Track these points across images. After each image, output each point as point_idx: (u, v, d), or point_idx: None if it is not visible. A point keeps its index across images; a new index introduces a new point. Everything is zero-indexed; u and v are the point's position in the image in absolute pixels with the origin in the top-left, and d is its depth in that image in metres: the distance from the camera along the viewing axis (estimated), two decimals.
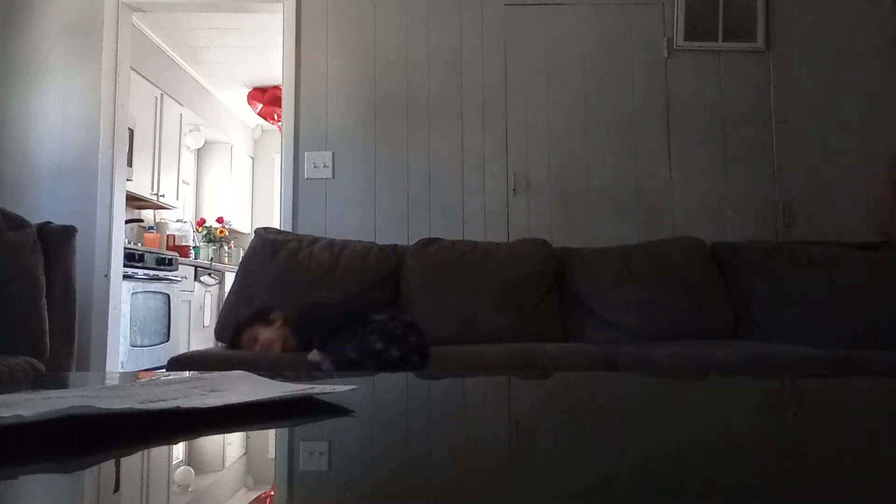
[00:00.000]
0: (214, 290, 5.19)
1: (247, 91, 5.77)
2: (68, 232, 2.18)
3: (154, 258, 4.06)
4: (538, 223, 2.98)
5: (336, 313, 1.90)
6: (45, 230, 2.12)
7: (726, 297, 2.52)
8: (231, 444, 0.39)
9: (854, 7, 3.15)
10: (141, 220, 4.89)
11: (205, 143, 5.77)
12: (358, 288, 2.42)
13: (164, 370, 2.45)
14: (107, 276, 3.09)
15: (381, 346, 1.72)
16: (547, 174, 3.07)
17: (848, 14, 3.14)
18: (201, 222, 5.67)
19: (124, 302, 3.52)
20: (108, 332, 3.09)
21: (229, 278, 4.93)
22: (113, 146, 3.13)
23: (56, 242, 2.11)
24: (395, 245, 2.70)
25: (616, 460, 0.35)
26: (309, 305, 2.03)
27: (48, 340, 1.95)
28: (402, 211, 3.07)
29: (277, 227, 2.94)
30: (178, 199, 5.13)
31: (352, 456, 0.36)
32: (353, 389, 0.49)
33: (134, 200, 4.40)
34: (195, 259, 5.03)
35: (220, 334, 2.40)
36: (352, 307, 1.94)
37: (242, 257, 2.60)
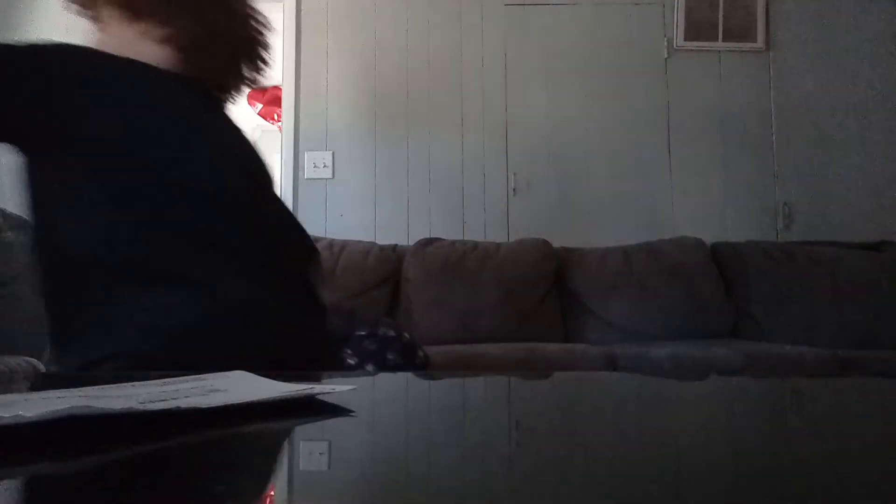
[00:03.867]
0: None
1: (246, 91, 5.76)
2: None
3: None
4: (538, 223, 2.98)
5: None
6: None
7: (726, 297, 2.52)
8: (231, 445, 0.39)
9: (854, 7, 3.15)
10: None
11: None
12: (358, 288, 2.42)
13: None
14: None
15: (355, 361, 1.73)
16: (547, 174, 3.07)
17: (848, 14, 3.14)
18: None
19: None
20: None
21: None
22: None
23: None
24: (396, 245, 2.70)
25: (616, 461, 0.35)
26: None
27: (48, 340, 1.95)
28: (402, 211, 3.07)
29: None
30: None
31: (352, 456, 0.36)
32: (353, 389, 0.49)
33: None
34: None
35: None
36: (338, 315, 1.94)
37: None
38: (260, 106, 5.80)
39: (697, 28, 3.13)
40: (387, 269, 2.54)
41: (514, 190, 3.06)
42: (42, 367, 1.81)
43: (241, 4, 0.95)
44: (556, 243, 2.64)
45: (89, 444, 0.34)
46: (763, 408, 0.57)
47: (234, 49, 0.94)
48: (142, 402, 0.39)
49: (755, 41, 3.13)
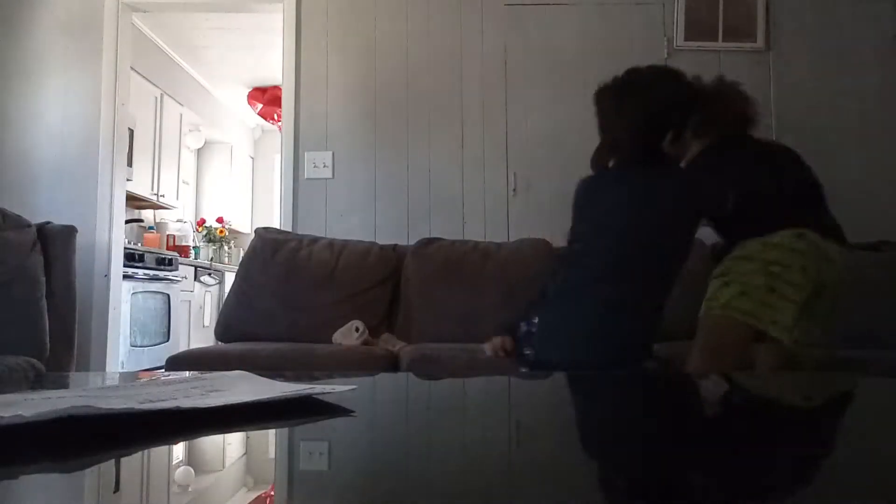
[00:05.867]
0: (214, 290, 5.18)
1: (247, 91, 5.76)
2: (68, 232, 2.18)
3: (154, 258, 4.06)
4: (538, 223, 2.98)
5: None
6: (45, 230, 2.12)
7: None
8: (231, 444, 0.39)
9: (854, 7, 3.14)
10: (141, 220, 4.89)
11: (205, 143, 5.77)
12: (358, 288, 2.42)
13: (163, 370, 2.45)
14: (107, 276, 3.09)
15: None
16: (547, 174, 3.07)
17: (848, 14, 3.14)
18: (201, 222, 5.67)
19: (124, 302, 3.52)
20: (108, 332, 3.09)
21: (229, 278, 4.93)
22: (113, 146, 3.13)
23: (56, 242, 2.11)
24: (396, 245, 2.70)
25: (616, 461, 0.35)
26: None
27: (48, 340, 1.95)
28: (402, 211, 3.07)
29: (277, 227, 2.93)
30: (178, 199, 5.13)
31: (352, 456, 0.36)
32: (352, 389, 0.49)
33: (134, 200, 4.40)
34: (195, 259, 5.03)
35: (220, 334, 2.40)
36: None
37: (243, 257, 2.60)
38: (260, 106, 5.79)
39: (697, 28, 3.12)
40: (387, 269, 2.54)
41: (514, 190, 3.06)
42: (42, 367, 1.80)
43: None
44: (556, 243, 2.63)
45: (89, 444, 0.34)
46: (763, 407, 0.57)
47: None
48: (142, 402, 0.39)
49: (755, 41, 3.13)
